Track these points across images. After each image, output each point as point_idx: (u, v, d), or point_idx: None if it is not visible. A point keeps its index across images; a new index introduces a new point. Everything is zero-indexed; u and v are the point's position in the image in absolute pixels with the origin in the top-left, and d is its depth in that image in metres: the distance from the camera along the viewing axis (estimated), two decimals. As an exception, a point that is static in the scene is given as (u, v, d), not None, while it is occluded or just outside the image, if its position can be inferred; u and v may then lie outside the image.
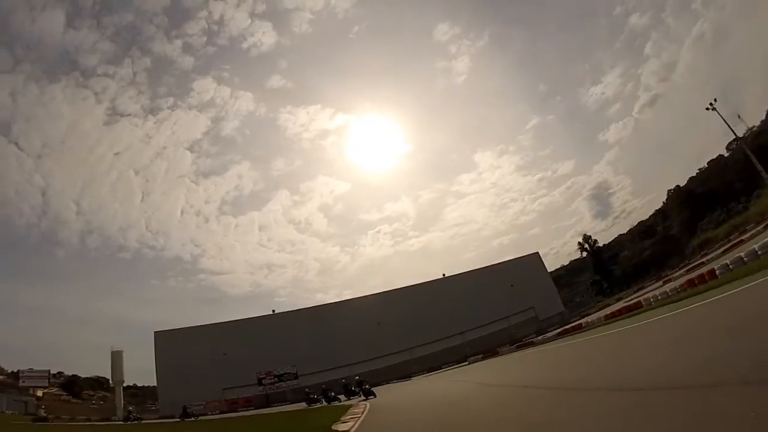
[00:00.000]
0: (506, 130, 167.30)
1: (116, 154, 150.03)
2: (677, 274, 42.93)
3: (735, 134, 54.78)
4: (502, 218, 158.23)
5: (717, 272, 20.46)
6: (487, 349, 52.58)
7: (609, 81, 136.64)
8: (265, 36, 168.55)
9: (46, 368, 64.94)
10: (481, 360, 46.63)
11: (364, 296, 73.43)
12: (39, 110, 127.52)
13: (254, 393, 57.14)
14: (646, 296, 28.42)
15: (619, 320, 24.49)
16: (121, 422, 47.54)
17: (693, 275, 24.63)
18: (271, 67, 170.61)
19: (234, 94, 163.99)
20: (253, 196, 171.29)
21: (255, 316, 68.65)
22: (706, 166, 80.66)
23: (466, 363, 48.27)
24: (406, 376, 54.80)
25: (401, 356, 62.11)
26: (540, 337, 46.33)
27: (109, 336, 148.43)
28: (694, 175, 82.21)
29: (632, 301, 31.95)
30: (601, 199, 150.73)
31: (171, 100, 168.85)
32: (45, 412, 49.47)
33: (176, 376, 59.54)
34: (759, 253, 18.54)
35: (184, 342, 62.63)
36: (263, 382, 57.43)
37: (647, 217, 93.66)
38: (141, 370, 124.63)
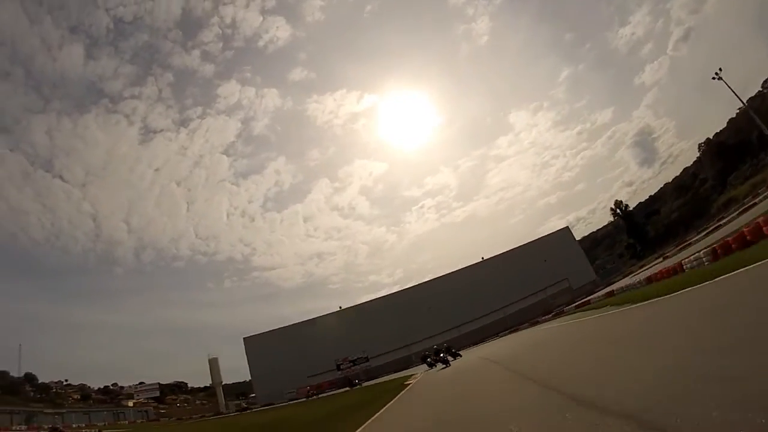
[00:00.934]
0: (538, 87, 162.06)
1: (156, 170, 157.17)
2: (693, 240, 45.39)
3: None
4: (545, 177, 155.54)
5: (685, 267, 18.96)
6: (528, 320, 59.53)
7: (637, 20, 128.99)
8: (279, 31, 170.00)
9: (138, 380, 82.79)
10: (506, 334, 53.18)
11: (412, 286, 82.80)
12: (76, 142, 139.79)
13: (334, 377, 68.40)
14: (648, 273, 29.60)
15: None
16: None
17: (679, 260, 22.53)
18: (290, 61, 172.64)
19: (259, 92, 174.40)
20: (294, 189, 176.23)
21: (324, 314, 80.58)
22: (737, 111, 78.08)
23: (497, 337, 55.49)
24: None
25: (451, 334, 70.80)
26: (569, 306, 51.96)
27: (178, 341, 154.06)
28: (726, 125, 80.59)
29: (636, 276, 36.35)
30: (645, 145, 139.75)
31: (199, 109, 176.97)
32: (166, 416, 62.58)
33: (266, 371, 72.22)
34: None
35: (269, 342, 75.30)
36: (341, 367, 68.30)
37: (691, 163, 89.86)
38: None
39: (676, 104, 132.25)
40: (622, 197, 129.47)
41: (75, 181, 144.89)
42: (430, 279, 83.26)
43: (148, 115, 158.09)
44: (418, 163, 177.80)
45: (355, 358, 68.33)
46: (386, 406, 12.28)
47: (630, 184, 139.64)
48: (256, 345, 76.54)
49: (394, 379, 33.21)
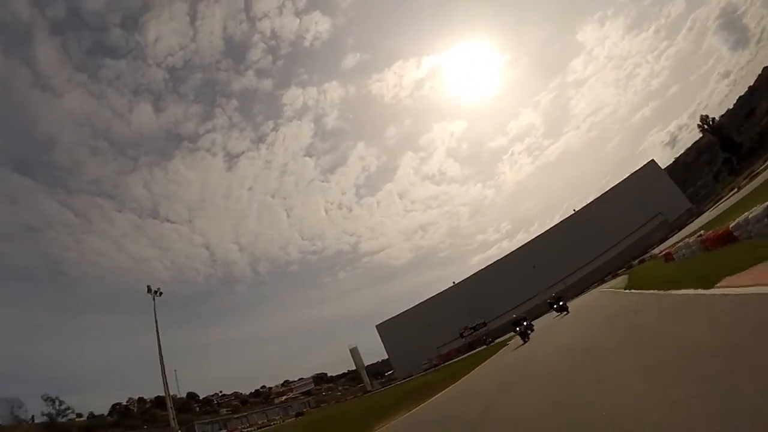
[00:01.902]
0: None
1: (249, 189, 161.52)
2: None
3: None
4: (633, 90, 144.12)
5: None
6: (625, 264, 63.32)
7: None
8: (319, 25, 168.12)
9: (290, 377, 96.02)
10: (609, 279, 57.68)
11: (514, 251, 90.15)
12: (171, 186, 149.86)
13: (459, 344, 79.87)
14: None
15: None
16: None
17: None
18: (340, 49, 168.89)
19: (320, 89, 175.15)
20: (381, 169, 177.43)
21: (441, 291, 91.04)
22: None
23: (602, 283, 60.44)
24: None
25: (557, 287, 77.57)
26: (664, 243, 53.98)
27: (311, 337, 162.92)
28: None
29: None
30: (732, 26, 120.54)
31: (271, 123, 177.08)
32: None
33: (400, 350, 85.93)
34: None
35: (398, 324, 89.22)
36: (463, 335, 79.28)
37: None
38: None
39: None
40: (721, 92, 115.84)
41: (181, 220, 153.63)
42: (528, 240, 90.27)
43: (227, 143, 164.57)
44: (496, 111, 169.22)
45: (474, 324, 76.75)
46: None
47: (727, 74, 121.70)
48: (387, 329, 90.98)
49: (511, 336, 42.16)
